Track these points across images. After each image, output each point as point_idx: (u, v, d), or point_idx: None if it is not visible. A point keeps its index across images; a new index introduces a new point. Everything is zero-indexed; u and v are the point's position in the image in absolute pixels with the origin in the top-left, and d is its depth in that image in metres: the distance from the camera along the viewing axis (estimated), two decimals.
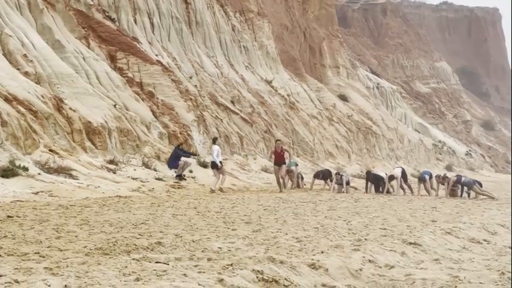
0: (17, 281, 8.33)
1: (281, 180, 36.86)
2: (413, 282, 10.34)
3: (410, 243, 13.99)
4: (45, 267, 9.46)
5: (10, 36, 38.82)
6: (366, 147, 72.04)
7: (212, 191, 31.42)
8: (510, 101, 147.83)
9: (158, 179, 34.56)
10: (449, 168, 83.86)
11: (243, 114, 55.63)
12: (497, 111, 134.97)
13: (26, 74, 37.11)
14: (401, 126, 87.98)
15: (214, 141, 35.18)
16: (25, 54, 38.57)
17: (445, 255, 13.36)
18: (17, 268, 9.35)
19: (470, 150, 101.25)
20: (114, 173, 33.67)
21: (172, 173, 36.53)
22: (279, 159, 35.34)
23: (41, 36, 41.50)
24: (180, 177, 35.55)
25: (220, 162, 33.74)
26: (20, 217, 17.21)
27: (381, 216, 20.63)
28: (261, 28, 70.70)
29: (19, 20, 40.95)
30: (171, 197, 28.32)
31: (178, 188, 33.06)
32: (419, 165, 77.52)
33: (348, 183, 36.65)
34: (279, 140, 39.16)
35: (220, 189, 32.35)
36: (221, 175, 33.12)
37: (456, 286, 10.00)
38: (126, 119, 40.18)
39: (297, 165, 41.33)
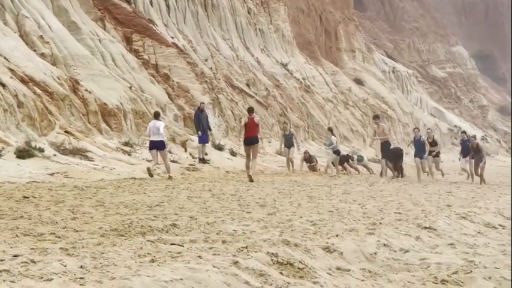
0: (33, 261, 8.37)
1: (289, 162, 37.79)
2: (428, 267, 10.33)
3: (425, 228, 13.96)
4: (60, 248, 9.50)
5: (26, 17, 38.88)
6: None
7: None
8: None
9: (173, 161, 34.55)
10: None
11: (258, 97, 55.58)
12: None
13: (42, 55, 37.19)
14: (417, 111, 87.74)
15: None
16: (41, 35, 38.64)
17: (460, 240, 13.32)
18: (33, 248, 9.39)
19: (486, 135, 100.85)
20: (129, 155, 33.75)
21: (198, 148, 36.68)
22: (250, 133, 28.42)
23: (57, 18, 41.54)
24: (203, 160, 35.57)
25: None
26: (35, 198, 17.27)
27: (395, 200, 20.61)
28: (277, 11, 70.56)
29: (35, 2, 41.00)
30: (186, 179, 28.38)
31: (193, 170, 33.07)
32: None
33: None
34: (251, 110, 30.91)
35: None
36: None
37: (471, 271, 9.97)
38: (141, 101, 40.23)
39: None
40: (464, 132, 42.71)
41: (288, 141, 38.21)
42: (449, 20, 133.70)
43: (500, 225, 16.32)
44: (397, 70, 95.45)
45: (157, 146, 28.26)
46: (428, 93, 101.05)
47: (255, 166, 28.30)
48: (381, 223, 14.16)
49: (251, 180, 26.58)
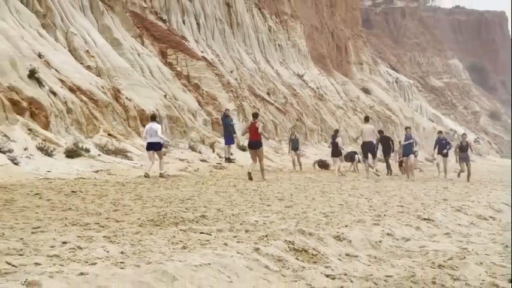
0: (79, 247, 8.39)
1: (296, 162, 36.99)
2: (427, 253, 10.31)
3: (424, 219, 13.93)
4: (104, 236, 9.53)
5: (75, 34, 39.05)
6: (386, 134, 71.75)
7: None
8: None
9: (202, 160, 34.66)
10: None
11: (277, 104, 55.63)
12: (503, 103, 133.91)
13: (88, 67, 37.34)
14: (417, 116, 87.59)
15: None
16: (87, 50, 38.80)
17: (455, 230, 13.29)
18: (79, 236, 9.42)
19: (478, 138, 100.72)
20: (164, 154, 33.81)
21: (225, 149, 36.73)
22: (253, 137, 26.58)
23: (102, 35, 41.69)
24: (229, 159, 35.60)
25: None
26: (82, 192, 17.33)
27: (398, 195, 20.55)
28: (294, 29, 70.59)
29: (82, 21, 41.16)
30: (214, 176, 28.39)
31: (220, 168, 33.10)
32: (432, 151, 76.94)
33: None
34: (256, 115, 28.31)
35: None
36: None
37: (465, 257, 9.94)
38: (174, 107, 40.32)
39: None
40: (440, 132, 40.08)
41: (294, 145, 37.86)
42: (446, 36, 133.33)
43: (490, 216, 16.27)
44: (400, 80, 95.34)
45: (154, 147, 26.87)
46: (427, 101, 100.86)
47: (263, 168, 26.70)
48: (385, 215, 14.13)
49: (250, 178, 25.32)
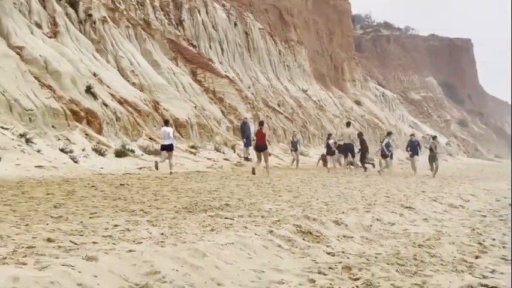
0: (128, 230, 8.44)
1: (295, 161, 35.87)
2: (409, 235, 10.31)
3: (407, 207, 13.92)
4: (147, 220, 9.57)
5: (122, 57, 39.18)
6: (374, 138, 71.41)
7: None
8: (478, 106, 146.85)
9: (225, 159, 34.69)
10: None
11: (286, 113, 55.63)
12: (469, 113, 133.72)
13: (133, 84, 37.45)
14: (400, 124, 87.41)
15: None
16: (133, 70, 38.91)
17: (431, 216, 13.28)
18: (128, 220, 9.47)
19: (449, 141, 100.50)
20: (194, 154, 33.82)
21: (243, 151, 36.72)
22: (259, 141, 25.43)
23: (144, 58, 41.79)
24: (247, 158, 35.62)
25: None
26: (129, 185, 17.39)
27: (385, 187, 20.51)
28: (300, 52, 70.57)
29: (128, 46, 41.28)
30: (235, 172, 28.39)
31: (240, 166, 33.09)
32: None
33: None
34: (262, 123, 27.06)
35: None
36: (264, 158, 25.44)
37: (440, 238, 9.95)
38: (203, 116, 40.38)
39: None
40: (412, 134, 37.91)
41: (294, 146, 36.75)
42: (423, 58, 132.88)
43: (460, 205, 16.24)
44: (386, 94, 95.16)
45: (167, 147, 25.40)
46: (407, 111, 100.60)
47: (268, 166, 25.30)
48: (374, 204, 14.12)
49: (253, 173, 24.44)
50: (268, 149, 26.88)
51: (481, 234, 10.80)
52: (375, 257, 8.22)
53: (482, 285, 6.75)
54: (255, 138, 26.26)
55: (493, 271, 7.62)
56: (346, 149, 30.96)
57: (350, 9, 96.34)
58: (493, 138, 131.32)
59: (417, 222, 12.21)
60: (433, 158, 32.03)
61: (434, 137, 34.37)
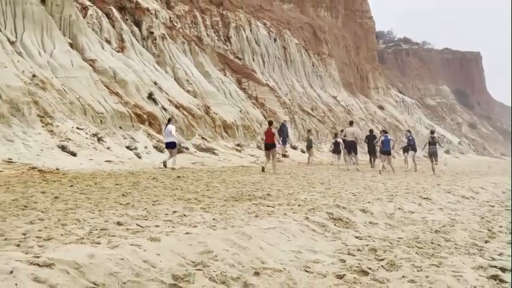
0: (184, 215, 8.50)
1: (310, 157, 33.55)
2: (426, 222, 10.21)
3: (424, 198, 13.78)
4: (201, 207, 9.63)
5: (179, 68, 39.41)
6: (395, 137, 70.82)
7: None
8: (486, 111, 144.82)
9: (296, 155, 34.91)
10: (447, 152, 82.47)
11: (318, 117, 55.40)
12: (478, 116, 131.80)
13: (187, 91, 37.64)
14: (417, 126, 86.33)
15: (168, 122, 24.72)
16: (187, 79, 39.11)
17: (446, 206, 13.14)
18: (184, 207, 9.53)
19: (460, 141, 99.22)
20: (240, 151, 33.89)
21: (281, 150, 36.54)
22: (268, 140, 23.63)
23: (197, 69, 41.98)
24: (284, 155, 35.54)
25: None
26: (184, 177, 17.49)
27: (405, 181, 20.32)
28: (330, 64, 70.24)
29: (184, 59, 41.52)
30: (308, 165, 28.40)
31: (278, 161, 33.03)
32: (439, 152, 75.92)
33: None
34: (271, 123, 25.10)
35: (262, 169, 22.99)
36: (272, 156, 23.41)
37: (454, 225, 9.84)
38: (247, 119, 40.42)
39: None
40: (408, 131, 34.57)
41: (309, 144, 34.55)
42: (438, 69, 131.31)
43: (471, 197, 16.04)
44: (405, 100, 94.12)
45: (168, 145, 23.32)
46: (424, 115, 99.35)
47: (275, 163, 23.41)
48: (396, 195, 14.02)
49: (263, 170, 22.45)
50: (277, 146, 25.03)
51: (489, 222, 10.70)
52: (397, 241, 8.16)
53: (491, 266, 6.69)
54: (264, 134, 24.70)
55: (500, 254, 7.56)
56: (349, 146, 28.89)
57: (374, 27, 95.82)
58: (499, 138, 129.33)
59: (434, 211, 12.10)
60: (432, 153, 27.96)
61: (432, 132, 30.00)
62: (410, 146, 31.68)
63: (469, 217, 11.38)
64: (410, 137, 32.05)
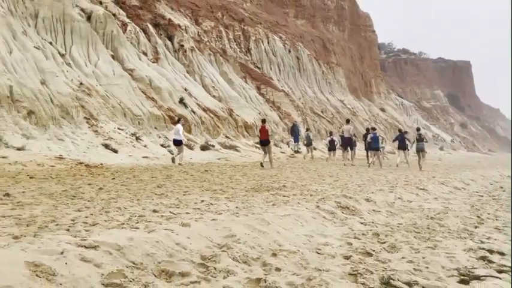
0: (211, 204, 8.51)
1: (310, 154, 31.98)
2: (423, 210, 10.14)
3: (421, 189, 13.70)
4: (225, 197, 9.64)
5: (206, 77, 39.48)
6: (426, 139, 70.52)
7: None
8: (475, 112, 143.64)
9: (282, 152, 34.62)
10: (441, 148, 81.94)
11: (327, 118, 55.24)
12: (469, 117, 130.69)
13: (213, 96, 37.70)
14: (415, 126, 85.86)
15: (178, 120, 23.34)
16: (213, 86, 39.18)
17: (440, 196, 13.04)
18: (211, 197, 9.55)
19: (453, 139, 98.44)
20: (258, 148, 33.90)
21: (294, 145, 36.40)
22: (263, 137, 22.26)
23: (221, 77, 42.04)
24: (297, 151, 35.47)
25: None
26: (211, 171, 17.53)
27: (403, 174, 20.20)
28: (338, 72, 69.98)
29: (210, 68, 41.59)
30: (289, 162, 28.34)
31: (292, 157, 33.00)
32: (425, 148, 75.44)
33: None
34: (264, 121, 23.82)
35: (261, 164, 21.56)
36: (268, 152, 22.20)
37: (447, 212, 9.77)
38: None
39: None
40: (399, 129, 30.72)
41: (308, 141, 32.77)
42: (432, 76, 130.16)
43: (462, 188, 15.94)
44: (404, 103, 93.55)
45: (176, 142, 21.87)
46: (421, 116, 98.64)
47: (271, 159, 21.84)
48: (396, 186, 13.93)
49: (262, 166, 21.04)
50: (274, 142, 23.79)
51: (478, 210, 10.62)
52: (397, 226, 8.11)
53: (480, 249, 6.65)
54: (259, 131, 23.02)
55: (488, 238, 7.49)
56: (346, 143, 27.43)
57: (376, 39, 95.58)
58: (487, 136, 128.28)
59: (429, 200, 12.01)
60: (419, 149, 25.25)
61: (418, 129, 27.31)
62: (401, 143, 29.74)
63: (461, 206, 11.30)
64: (401, 136, 30.02)
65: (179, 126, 22.33)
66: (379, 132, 30.37)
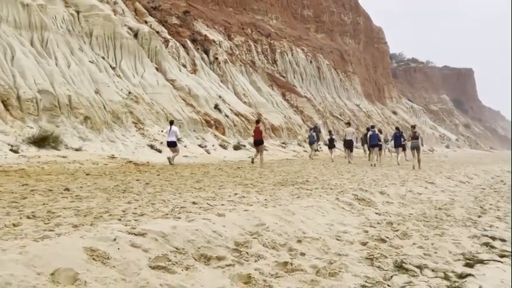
0: (243, 196, 8.52)
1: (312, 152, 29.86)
2: (431, 201, 9.99)
3: (430, 182, 13.51)
4: (255, 191, 9.63)
5: (237, 85, 39.56)
6: (421, 137, 69.57)
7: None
8: (478, 114, 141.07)
9: (305, 151, 34.50)
10: (447, 146, 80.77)
11: (344, 120, 54.88)
12: (472, 119, 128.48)
13: (244, 102, 37.77)
14: (423, 127, 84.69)
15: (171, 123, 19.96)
16: (244, 93, 39.25)
17: (447, 189, 12.83)
18: (243, 191, 9.55)
19: (457, 138, 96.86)
20: (284, 148, 33.85)
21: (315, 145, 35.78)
22: (256, 137, 19.90)
23: (251, 85, 42.10)
24: (317, 150, 35.29)
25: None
26: (242, 168, 17.56)
27: (413, 170, 19.94)
28: (354, 79, 69.49)
29: (241, 78, 41.67)
30: (311, 159, 28.21)
31: (314, 156, 32.88)
32: (432, 146, 74.33)
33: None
34: (258, 121, 21.31)
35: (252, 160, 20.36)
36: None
37: (453, 203, 9.61)
38: (290, 123, 40.32)
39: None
40: (397, 128, 27.32)
41: (311, 140, 30.11)
42: (439, 82, 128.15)
43: (467, 181, 15.67)
44: (413, 107, 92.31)
45: (171, 144, 19.30)
46: (429, 118, 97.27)
47: (263, 158, 19.82)
48: (407, 180, 13.75)
49: (252, 162, 19.94)
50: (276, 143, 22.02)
51: (481, 201, 10.43)
52: (409, 216, 8.01)
53: (483, 236, 6.54)
54: (253, 131, 21.04)
55: (491, 226, 7.36)
56: (348, 144, 25.32)
57: (388, 50, 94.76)
58: (488, 135, 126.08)
59: (437, 192, 11.83)
60: (415, 147, 21.46)
61: (413, 126, 23.71)
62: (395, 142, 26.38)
63: (465, 197, 11.10)
64: (398, 134, 25.81)
65: (175, 128, 19.93)
66: (387, 131, 29.49)
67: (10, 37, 21.79)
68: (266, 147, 30.86)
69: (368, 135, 24.59)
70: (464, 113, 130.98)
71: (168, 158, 19.14)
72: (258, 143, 19.72)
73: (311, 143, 30.40)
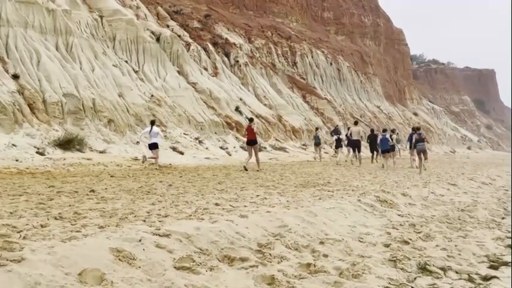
0: (265, 198, 8.51)
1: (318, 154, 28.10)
2: (454, 203, 9.87)
3: (452, 184, 13.34)
4: (277, 192, 9.62)
5: (258, 87, 39.58)
6: (427, 139, 68.80)
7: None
8: (500, 115, 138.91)
9: (325, 152, 34.31)
10: (469, 148, 79.73)
11: (365, 122, 54.40)
12: (494, 120, 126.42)
13: (265, 105, 37.76)
14: (445, 128, 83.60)
15: (152, 123, 18.08)
16: (264, 95, 39.25)
17: (469, 190, 12.66)
18: (265, 192, 9.54)
19: (479, 139, 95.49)
20: (304, 149, 33.74)
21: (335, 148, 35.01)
22: (250, 136, 17.93)
23: (272, 87, 42.06)
24: (336, 151, 35.00)
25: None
26: (263, 170, 17.55)
27: (435, 171, 19.71)
28: (374, 81, 68.93)
29: (262, 80, 41.68)
30: (332, 161, 28.06)
31: (334, 157, 32.67)
32: (453, 147, 73.37)
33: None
34: (251, 120, 19.45)
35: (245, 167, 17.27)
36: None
37: (476, 205, 9.47)
38: (310, 125, 40.16)
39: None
40: (392, 130, 27.09)
41: (317, 140, 28.14)
42: (460, 83, 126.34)
43: (489, 183, 15.44)
44: (434, 108, 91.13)
45: (153, 146, 17.32)
46: (450, 119, 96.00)
47: (259, 159, 18.28)
48: (429, 182, 13.60)
49: (245, 170, 16.80)
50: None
51: (505, 203, 10.28)
52: (431, 218, 7.92)
53: (507, 237, 6.44)
54: (245, 130, 19.31)
55: None
56: (354, 144, 24.07)
57: (409, 51, 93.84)
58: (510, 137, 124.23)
59: (459, 194, 11.67)
60: (421, 150, 19.04)
61: (418, 128, 21.54)
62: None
63: (488, 199, 10.94)
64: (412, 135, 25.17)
65: (157, 128, 18.25)
66: (361, 132, 26.61)
67: (36, 42, 22.17)
68: (286, 149, 30.82)
69: (379, 140, 23.35)
70: (486, 114, 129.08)
71: (143, 157, 17.56)
72: (252, 143, 18.04)
73: (316, 144, 28.73)
